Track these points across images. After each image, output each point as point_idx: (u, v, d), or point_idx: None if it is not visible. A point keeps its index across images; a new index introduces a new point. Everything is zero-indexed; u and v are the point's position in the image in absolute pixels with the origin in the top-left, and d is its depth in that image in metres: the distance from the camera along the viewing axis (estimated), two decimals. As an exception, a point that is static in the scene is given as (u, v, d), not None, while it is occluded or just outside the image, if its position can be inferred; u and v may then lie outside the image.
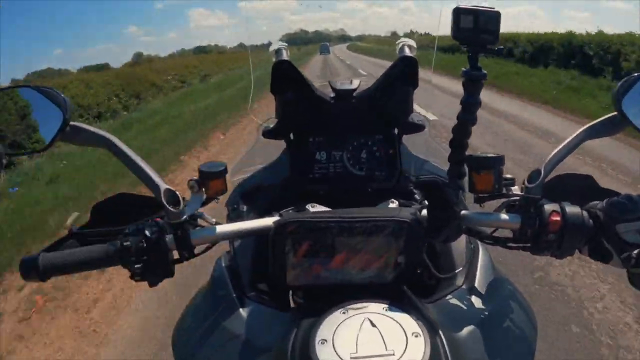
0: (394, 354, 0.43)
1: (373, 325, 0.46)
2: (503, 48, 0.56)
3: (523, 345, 0.58)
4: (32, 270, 0.53)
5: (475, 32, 0.54)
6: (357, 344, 0.44)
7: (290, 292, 0.68)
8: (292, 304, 0.68)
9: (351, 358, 0.43)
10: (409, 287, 0.56)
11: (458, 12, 0.54)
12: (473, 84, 0.56)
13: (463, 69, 0.56)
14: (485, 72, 0.55)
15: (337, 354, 0.43)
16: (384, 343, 0.44)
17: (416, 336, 0.45)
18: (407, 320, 0.47)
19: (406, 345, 0.44)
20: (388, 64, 0.74)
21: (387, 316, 0.47)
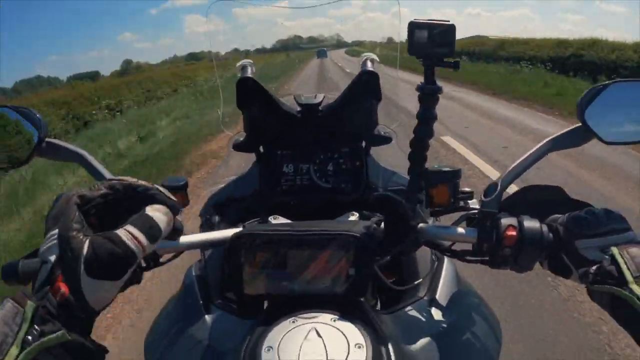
0: None
1: (319, 335, 0.47)
2: (459, 61, 0.57)
3: (483, 358, 0.58)
4: (13, 275, 0.56)
5: (430, 46, 0.54)
6: (300, 353, 0.45)
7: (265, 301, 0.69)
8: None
9: None
10: (375, 296, 0.56)
11: (412, 27, 0.55)
12: (429, 97, 0.56)
13: (418, 83, 0.57)
14: (440, 86, 0.56)
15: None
16: (326, 353, 0.45)
17: (359, 347, 0.46)
18: (352, 331, 0.47)
19: (347, 355, 0.45)
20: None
21: (333, 327, 0.48)
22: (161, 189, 0.47)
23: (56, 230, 0.41)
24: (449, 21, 0.55)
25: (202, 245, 0.61)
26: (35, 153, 0.62)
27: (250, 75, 0.73)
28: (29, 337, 0.35)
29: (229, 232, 0.59)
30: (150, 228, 0.43)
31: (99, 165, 0.61)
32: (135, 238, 0.42)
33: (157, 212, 0.45)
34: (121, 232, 0.41)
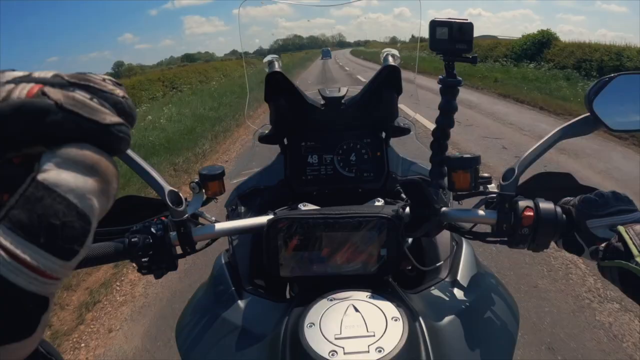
0: (374, 335, 0.47)
1: (357, 310, 0.51)
2: (477, 56, 0.61)
3: (504, 336, 0.61)
4: None
5: (450, 43, 0.58)
6: (341, 327, 0.48)
7: (288, 285, 0.73)
8: (287, 296, 0.73)
9: (335, 338, 0.47)
10: (395, 279, 0.60)
11: (434, 25, 0.59)
12: (449, 90, 0.60)
13: (440, 76, 0.61)
14: (460, 78, 0.60)
15: (323, 335, 0.48)
16: (366, 326, 0.48)
17: (395, 320, 0.49)
18: (387, 306, 0.51)
19: (386, 328, 0.48)
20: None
21: (369, 303, 0.52)
22: (80, 98, 0.21)
23: None
24: (467, 19, 0.60)
25: (238, 231, 0.64)
26: None
27: (278, 70, 0.76)
28: None
29: (262, 219, 0.62)
30: (49, 225, 0.19)
31: (135, 156, 0.63)
32: (15, 257, 0.18)
33: (68, 175, 0.20)
34: None
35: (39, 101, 0.19)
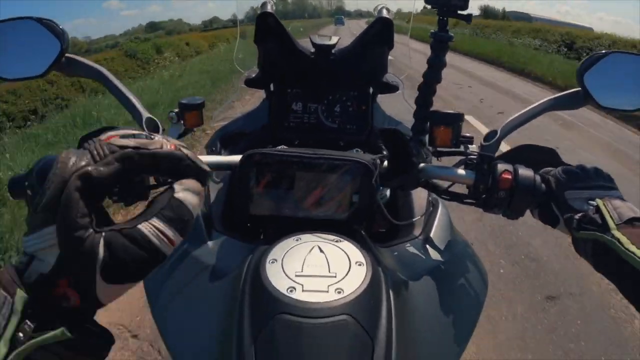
0: (335, 277, 0.46)
1: (321, 251, 0.50)
2: (472, 14, 0.60)
3: (470, 302, 0.61)
4: (21, 189, 0.57)
5: None
6: (303, 265, 0.48)
7: (262, 229, 0.72)
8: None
9: (296, 275, 0.46)
10: (368, 234, 0.59)
11: None
12: (440, 45, 0.60)
13: (431, 30, 0.60)
14: (451, 34, 0.59)
15: (284, 271, 0.47)
16: (328, 267, 0.48)
17: (359, 265, 0.48)
18: (353, 251, 0.50)
19: (348, 270, 0.47)
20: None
21: (335, 245, 0.51)
22: (189, 154, 0.36)
23: (53, 227, 0.30)
24: None
25: (212, 166, 0.63)
26: (54, 66, 0.63)
27: (270, 11, 0.75)
28: (20, 334, 0.29)
29: (239, 157, 0.61)
30: (180, 219, 0.34)
31: (117, 82, 0.63)
32: (163, 234, 0.33)
33: (188, 194, 0.35)
34: (145, 228, 0.32)
35: (179, 153, 0.36)
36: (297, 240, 0.52)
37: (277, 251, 0.50)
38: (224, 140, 0.85)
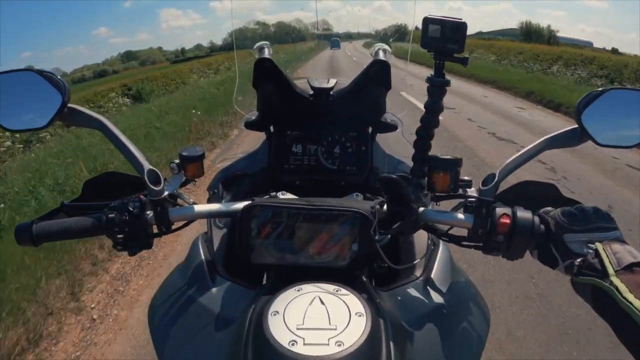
0: (335, 329, 0.47)
1: (322, 303, 0.50)
2: (468, 57, 0.60)
3: (472, 342, 0.61)
4: (26, 236, 0.59)
5: (442, 41, 0.58)
6: (304, 317, 0.48)
7: (265, 274, 0.73)
8: (263, 283, 0.72)
9: (297, 329, 0.47)
10: (369, 275, 0.60)
11: (426, 22, 0.58)
12: (437, 90, 0.60)
13: (428, 75, 0.60)
14: (448, 79, 0.59)
15: (285, 324, 0.48)
16: (329, 319, 0.48)
17: (359, 316, 0.49)
18: (353, 301, 0.51)
19: (348, 322, 0.48)
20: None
21: (335, 296, 0.52)
22: None
23: None
24: (461, 19, 0.59)
25: (214, 215, 0.64)
26: (56, 117, 0.64)
27: (267, 56, 0.76)
28: None
29: (239, 204, 0.62)
30: None
31: (118, 132, 0.63)
32: None
33: None
34: None
35: None
36: (298, 290, 0.53)
37: (279, 303, 0.51)
38: (226, 182, 0.85)
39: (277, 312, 0.49)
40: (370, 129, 0.86)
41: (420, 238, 0.73)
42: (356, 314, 0.49)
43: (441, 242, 0.73)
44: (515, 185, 0.66)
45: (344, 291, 0.53)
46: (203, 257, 0.71)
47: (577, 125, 0.64)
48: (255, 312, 0.52)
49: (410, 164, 0.83)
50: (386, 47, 0.78)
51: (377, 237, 0.56)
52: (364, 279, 0.59)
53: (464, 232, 0.62)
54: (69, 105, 0.65)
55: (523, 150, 0.63)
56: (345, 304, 0.51)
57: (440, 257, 0.70)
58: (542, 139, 0.65)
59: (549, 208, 0.60)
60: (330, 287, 0.53)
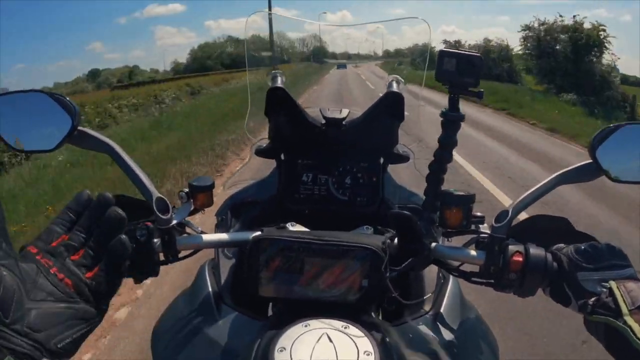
0: None
1: (330, 340, 0.49)
2: (483, 91, 0.59)
3: None
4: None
5: (457, 75, 0.57)
6: (311, 356, 0.47)
7: (270, 303, 0.72)
8: (270, 313, 0.72)
9: None
10: (379, 310, 0.59)
11: (442, 55, 0.57)
12: (451, 124, 0.59)
13: (442, 109, 0.59)
14: (463, 114, 0.59)
15: None
16: (337, 357, 0.47)
17: (367, 355, 0.48)
18: (362, 339, 0.50)
19: None
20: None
21: (344, 333, 0.50)
22: None
23: None
24: (477, 53, 0.58)
25: (221, 245, 0.63)
26: (65, 140, 0.64)
27: (280, 85, 0.75)
28: None
29: (248, 235, 0.61)
30: None
31: (127, 158, 0.63)
32: None
33: None
34: None
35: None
36: (305, 326, 0.52)
37: (286, 339, 0.50)
38: (234, 209, 0.85)
39: (284, 349, 0.49)
40: (381, 160, 0.85)
41: (430, 271, 0.73)
42: (364, 352, 0.48)
43: (451, 277, 0.72)
44: (526, 220, 0.65)
45: (352, 328, 0.52)
46: (210, 285, 0.70)
47: (591, 160, 0.64)
48: (261, 347, 0.51)
49: (422, 195, 0.83)
50: (400, 78, 0.77)
51: (387, 275, 0.55)
52: (373, 314, 0.58)
53: (475, 268, 0.61)
54: (79, 128, 0.64)
55: (536, 187, 0.62)
56: (354, 342, 0.50)
57: (450, 291, 0.69)
58: (555, 174, 0.64)
59: (562, 245, 0.59)
60: (339, 324, 0.52)
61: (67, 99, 0.63)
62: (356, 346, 0.49)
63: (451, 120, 0.59)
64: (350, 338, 0.50)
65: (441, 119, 0.59)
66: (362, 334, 0.51)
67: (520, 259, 0.56)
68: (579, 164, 0.65)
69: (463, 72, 0.57)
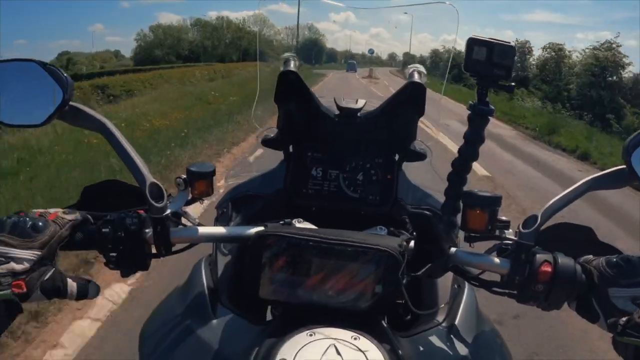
0: None
1: (338, 353, 0.44)
2: (514, 85, 0.54)
3: None
4: None
5: (488, 66, 0.52)
6: None
7: (269, 306, 0.66)
8: (269, 317, 0.66)
9: None
10: (388, 318, 0.54)
11: (472, 43, 0.52)
12: (479, 118, 0.54)
13: (470, 102, 0.54)
14: (492, 107, 0.54)
15: None
16: None
17: None
18: (373, 353, 0.45)
19: None
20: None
21: (353, 345, 0.45)
22: None
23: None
24: (510, 42, 0.53)
25: (220, 239, 0.58)
26: (55, 115, 0.58)
27: (293, 69, 0.69)
28: None
29: (250, 230, 0.56)
30: None
31: (121, 138, 0.57)
32: None
33: None
34: None
35: None
36: (310, 335, 0.47)
37: (288, 348, 0.45)
38: (236, 202, 0.79)
39: None
40: (397, 157, 0.79)
41: (444, 279, 0.67)
42: None
43: (467, 285, 0.67)
44: (549, 228, 0.60)
45: (362, 340, 0.46)
46: (205, 283, 0.65)
47: (624, 166, 0.59)
48: (260, 355, 0.46)
49: (437, 196, 0.77)
50: (421, 68, 0.72)
51: (404, 281, 0.50)
52: (384, 324, 0.53)
53: (495, 276, 0.56)
54: (71, 103, 0.59)
55: (566, 192, 0.57)
56: (364, 354, 0.45)
57: (465, 302, 0.64)
58: (586, 179, 0.60)
59: (591, 256, 0.54)
60: (347, 335, 0.47)
61: (60, 70, 0.58)
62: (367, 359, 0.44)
63: (479, 115, 0.54)
64: (360, 351, 0.45)
65: (468, 112, 0.54)
66: (374, 347, 0.46)
67: (549, 269, 0.51)
68: (610, 169, 0.61)
69: (494, 64, 0.52)
